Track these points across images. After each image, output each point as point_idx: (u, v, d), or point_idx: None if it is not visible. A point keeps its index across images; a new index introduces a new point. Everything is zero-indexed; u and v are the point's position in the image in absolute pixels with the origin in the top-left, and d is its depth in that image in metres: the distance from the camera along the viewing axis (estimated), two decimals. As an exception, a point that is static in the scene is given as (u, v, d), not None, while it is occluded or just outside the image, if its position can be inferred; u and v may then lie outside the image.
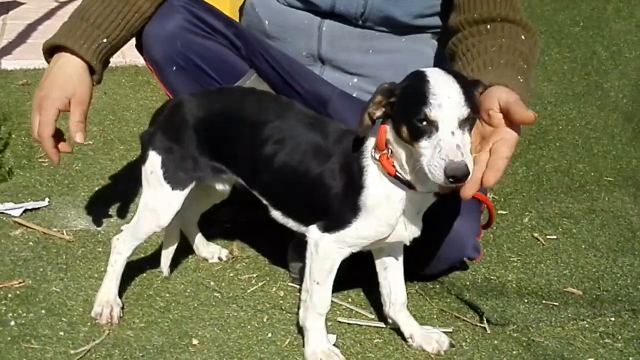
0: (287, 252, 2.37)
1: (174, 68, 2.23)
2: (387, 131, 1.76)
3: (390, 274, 2.05)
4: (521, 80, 1.89)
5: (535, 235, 2.71)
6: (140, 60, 4.26)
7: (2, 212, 2.57)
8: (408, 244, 1.92)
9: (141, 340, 1.97)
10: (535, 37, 2.14)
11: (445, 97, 1.63)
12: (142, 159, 2.05)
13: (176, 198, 2.02)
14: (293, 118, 1.94)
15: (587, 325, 2.19)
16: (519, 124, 1.74)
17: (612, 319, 2.23)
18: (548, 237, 2.71)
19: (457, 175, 1.59)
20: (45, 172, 2.92)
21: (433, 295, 2.31)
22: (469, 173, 1.60)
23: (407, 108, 1.67)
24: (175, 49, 2.21)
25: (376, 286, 2.24)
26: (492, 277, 2.41)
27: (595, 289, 2.38)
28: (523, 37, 2.07)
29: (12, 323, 1.99)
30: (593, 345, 2.10)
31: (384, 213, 1.81)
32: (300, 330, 2.02)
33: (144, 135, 2.06)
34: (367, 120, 1.74)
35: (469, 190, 1.68)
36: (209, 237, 2.47)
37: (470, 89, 1.69)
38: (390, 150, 1.76)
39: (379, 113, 1.74)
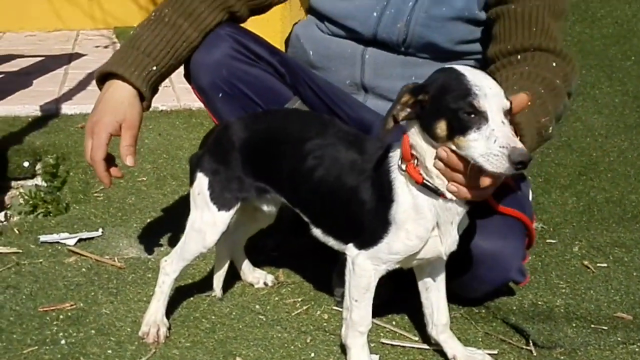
0: (332, 277, 2.39)
1: (220, 95, 2.30)
2: (412, 134, 1.77)
3: (432, 294, 2.05)
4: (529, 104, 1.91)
5: (585, 263, 2.67)
6: (194, 104, 4.43)
7: (58, 242, 2.65)
8: (445, 258, 1.91)
9: (186, 358, 2.00)
10: (571, 64, 2.16)
11: (487, 88, 1.66)
12: (190, 180, 2.11)
13: (222, 218, 2.07)
14: (333, 135, 1.98)
15: (637, 349, 2.13)
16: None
17: (664, 343, 2.18)
18: (598, 264, 2.67)
19: (524, 161, 1.61)
20: (100, 206, 3.02)
21: (478, 320, 2.29)
22: (531, 158, 1.63)
23: (448, 102, 1.68)
24: (221, 76, 2.29)
25: (420, 309, 2.24)
26: (540, 302, 2.38)
27: (647, 314, 2.34)
28: (554, 64, 2.09)
29: (63, 342, 2.05)
30: (643, 367, 2.05)
31: (413, 226, 1.81)
32: (344, 351, 2.02)
33: (192, 158, 2.13)
34: (390, 123, 1.74)
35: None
36: (256, 264, 2.51)
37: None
38: (416, 159, 1.77)
39: (403, 114, 1.73)
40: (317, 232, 2.04)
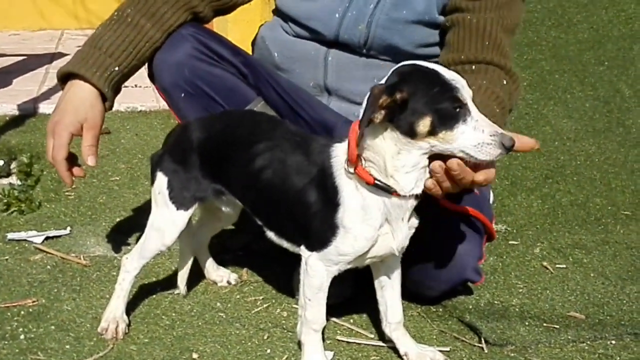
0: (293, 276, 2.43)
1: (182, 94, 2.34)
2: (374, 136, 1.77)
3: (387, 293, 2.09)
4: None
5: (545, 264, 2.72)
6: (172, 105, 4.46)
7: (25, 240, 2.69)
8: (397, 254, 1.95)
9: (143, 354, 2.05)
10: (517, 83, 2.23)
11: (460, 79, 1.73)
12: (151, 180, 2.16)
13: (180, 218, 2.11)
14: (281, 137, 2.01)
15: (586, 347, 2.19)
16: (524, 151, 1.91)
17: (613, 342, 2.22)
18: (557, 266, 2.71)
19: (514, 144, 1.72)
20: (71, 205, 3.05)
21: (434, 318, 2.34)
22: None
23: (432, 98, 1.71)
24: (183, 76, 2.32)
25: (377, 307, 2.29)
26: (496, 302, 2.43)
27: (599, 313, 2.38)
28: (504, 82, 2.16)
29: (22, 337, 2.09)
30: (590, 365, 2.10)
31: (360, 227, 1.84)
32: (300, 347, 2.07)
33: (153, 157, 2.18)
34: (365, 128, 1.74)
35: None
36: (222, 263, 2.55)
37: None
38: (362, 160, 1.80)
39: (380, 117, 1.73)
40: (270, 234, 2.09)
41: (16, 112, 4.30)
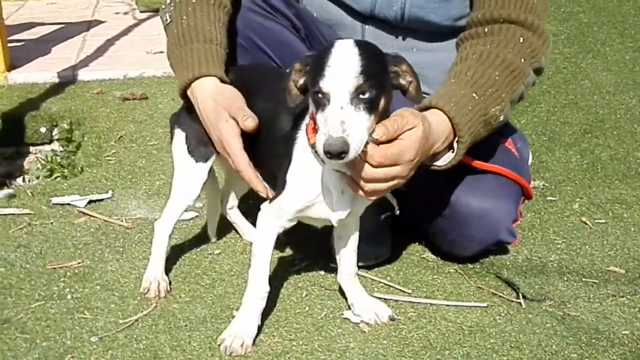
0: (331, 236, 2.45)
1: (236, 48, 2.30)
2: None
3: (342, 243, 2.09)
4: (476, 97, 1.98)
5: (584, 219, 2.70)
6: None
7: (69, 203, 2.75)
8: (335, 224, 1.94)
9: (185, 312, 2.09)
10: (543, 37, 2.17)
11: (339, 68, 1.63)
12: (170, 138, 2.19)
13: (201, 170, 2.15)
14: (281, 90, 1.94)
15: (626, 302, 2.18)
16: None
17: (654, 295, 2.22)
18: (597, 221, 2.70)
19: (330, 152, 1.57)
20: (112, 169, 3.11)
21: (472, 275, 2.34)
22: (345, 152, 1.58)
23: (311, 78, 1.69)
24: (237, 29, 2.30)
25: (415, 266, 2.32)
26: (534, 258, 2.43)
27: (640, 268, 2.37)
28: (521, 40, 2.10)
29: (69, 297, 2.15)
30: (630, 319, 2.09)
31: (301, 187, 1.85)
32: (337, 305, 2.11)
33: (172, 116, 2.21)
34: (293, 89, 1.76)
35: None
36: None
37: (380, 63, 1.70)
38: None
39: (302, 81, 1.75)
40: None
41: (56, 80, 4.37)
